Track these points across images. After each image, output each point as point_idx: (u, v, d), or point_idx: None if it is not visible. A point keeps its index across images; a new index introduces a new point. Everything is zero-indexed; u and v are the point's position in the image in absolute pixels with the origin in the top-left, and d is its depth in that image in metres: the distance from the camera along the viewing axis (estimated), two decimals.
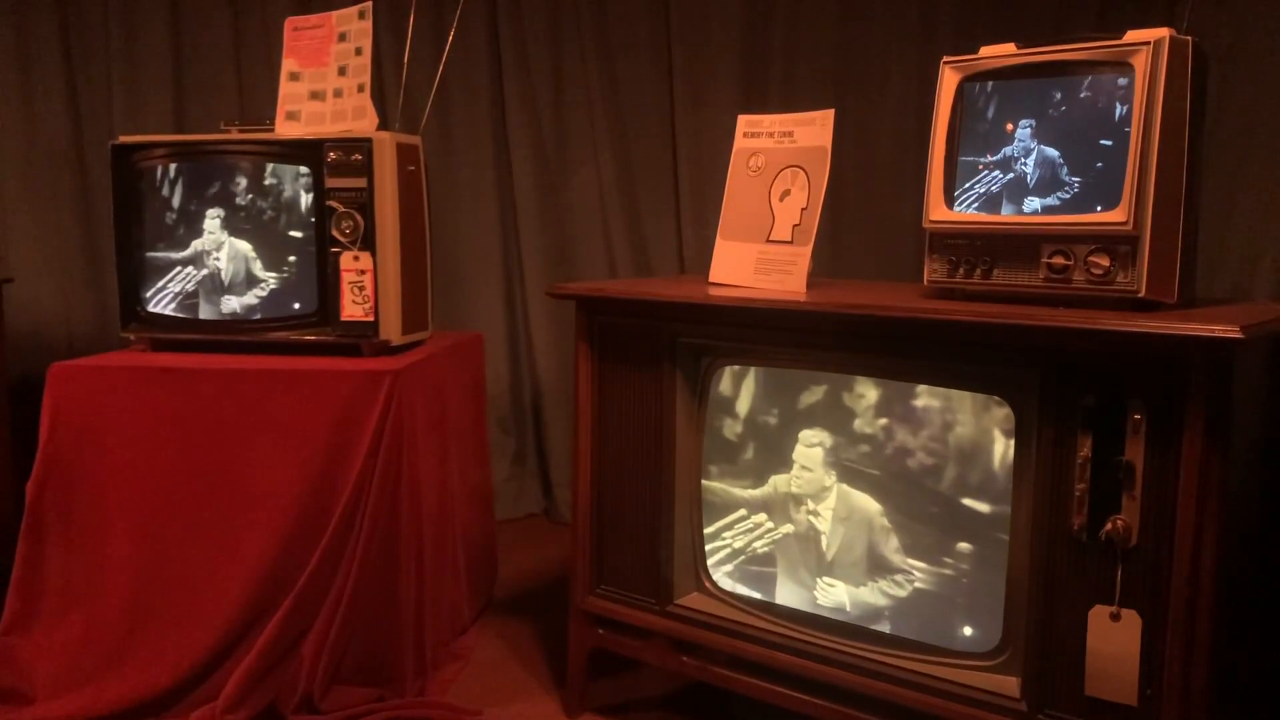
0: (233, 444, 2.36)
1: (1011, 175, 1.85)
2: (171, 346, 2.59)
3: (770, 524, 2.14)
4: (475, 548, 2.92)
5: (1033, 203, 1.82)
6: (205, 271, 2.56)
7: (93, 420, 2.38)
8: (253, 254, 2.53)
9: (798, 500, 2.08)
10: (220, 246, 2.53)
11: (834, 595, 2.04)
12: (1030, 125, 1.82)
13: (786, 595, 2.11)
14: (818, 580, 2.06)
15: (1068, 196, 1.78)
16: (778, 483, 2.10)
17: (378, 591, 2.35)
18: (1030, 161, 1.82)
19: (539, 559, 3.42)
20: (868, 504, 1.98)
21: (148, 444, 2.37)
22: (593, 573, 2.30)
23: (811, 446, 2.05)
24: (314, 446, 2.34)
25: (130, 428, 2.38)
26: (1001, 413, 1.80)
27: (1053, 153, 1.80)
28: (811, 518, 2.06)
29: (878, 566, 1.98)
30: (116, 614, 2.36)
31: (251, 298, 2.54)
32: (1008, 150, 1.85)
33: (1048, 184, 1.80)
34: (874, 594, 1.99)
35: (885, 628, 1.96)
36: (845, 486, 2.01)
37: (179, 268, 2.57)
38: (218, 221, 2.53)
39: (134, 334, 2.61)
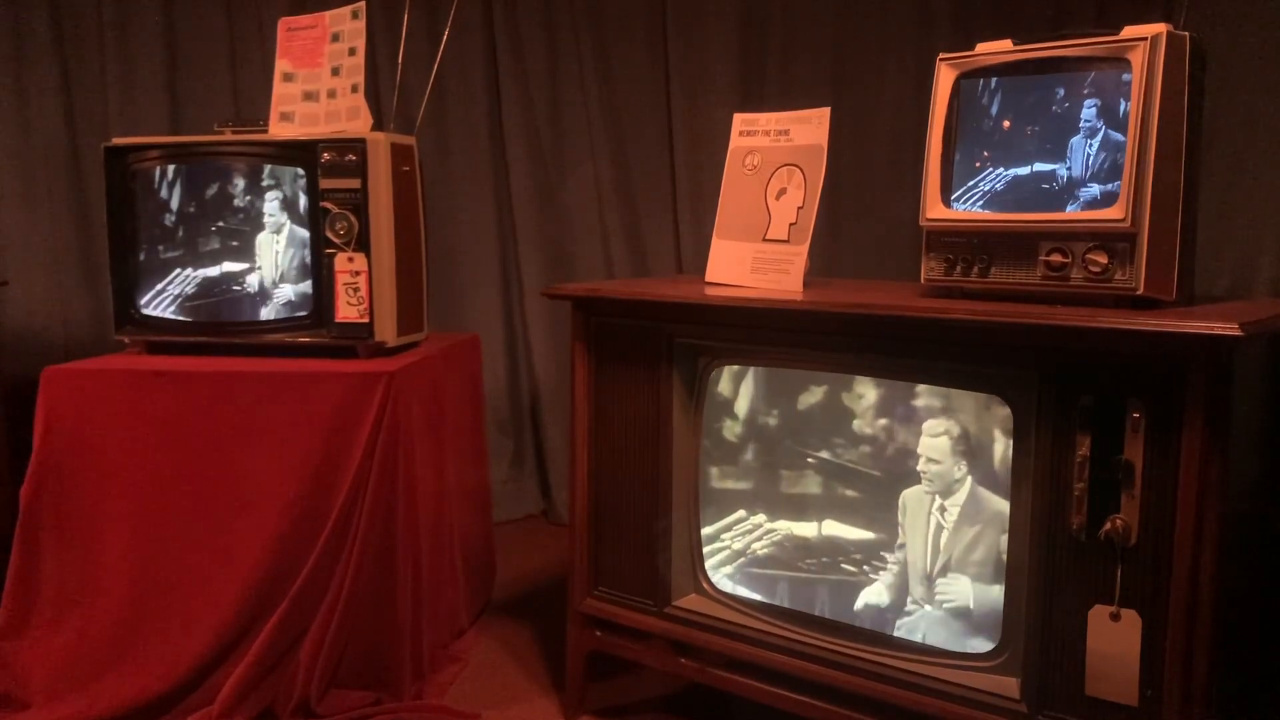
0: (228, 447, 2.36)
1: (1065, 165, 1.75)
2: (166, 349, 2.58)
3: (770, 525, 2.11)
4: (473, 550, 2.91)
5: (1091, 190, 1.74)
6: (264, 259, 2.51)
7: (87, 424, 2.37)
8: (309, 242, 2.48)
9: (932, 499, 1.93)
10: (281, 230, 2.49)
11: (957, 588, 1.89)
12: (1096, 105, 1.73)
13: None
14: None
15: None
16: (907, 497, 1.95)
17: (375, 594, 2.34)
18: (1095, 144, 1.73)
19: (538, 560, 3.41)
20: (1000, 505, 1.82)
21: (142, 447, 2.37)
22: (591, 574, 2.29)
23: (937, 436, 1.91)
24: (309, 449, 2.34)
25: (124, 431, 2.37)
26: (1003, 412, 1.79)
27: (1120, 137, 1.69)
28: (939, 515, 1.92)
29: (1000, 574, 1.82)
30: (112, 618, 2.35)
31: (307, 286, 2.49)
32: (1073, 140, 1.75)
33: (1109, 172, 1.71)
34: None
35: (985, 644, 1.82)
36: (981, 488, 1.86)
37: (177, 269, 2.55)
38: (276, 204, 2.50)
39: (128, 337, 2.60)
